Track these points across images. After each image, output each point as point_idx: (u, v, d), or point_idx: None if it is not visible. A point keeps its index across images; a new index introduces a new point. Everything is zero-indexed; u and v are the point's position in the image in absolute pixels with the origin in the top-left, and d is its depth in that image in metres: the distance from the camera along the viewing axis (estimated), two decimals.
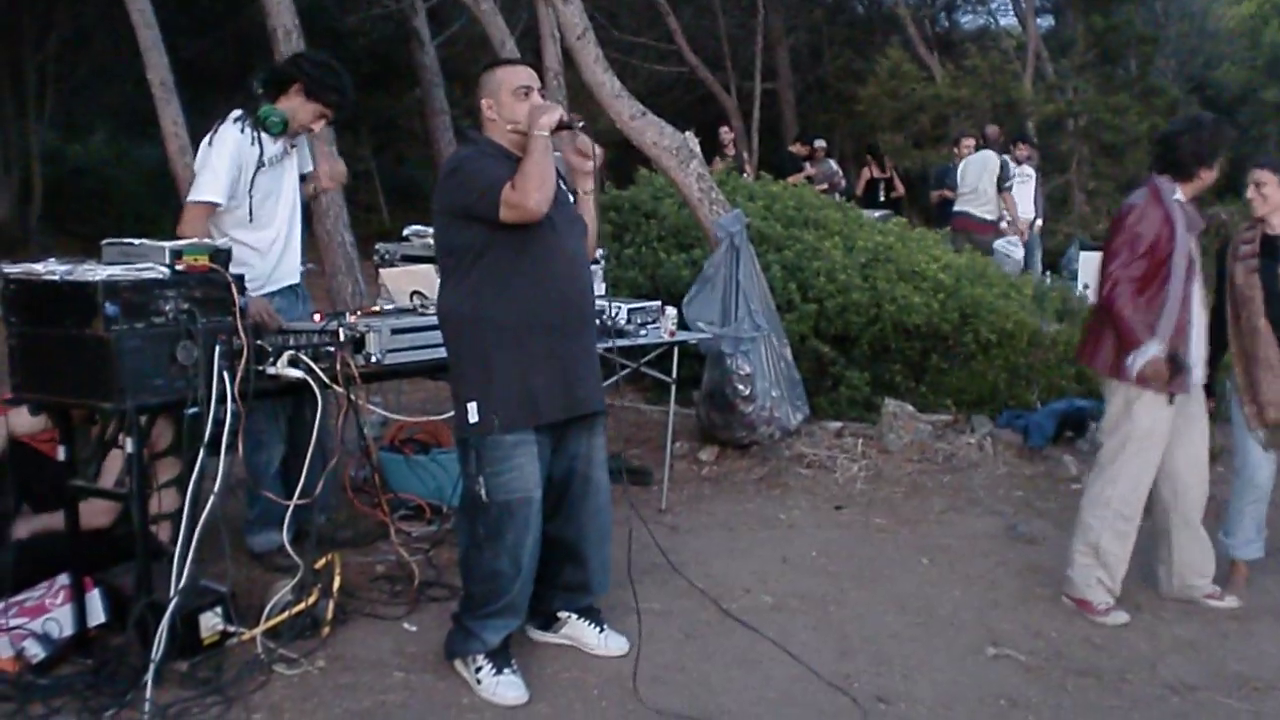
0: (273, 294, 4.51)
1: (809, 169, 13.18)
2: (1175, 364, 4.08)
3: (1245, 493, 4.57)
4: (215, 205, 4.31)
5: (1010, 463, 6.31)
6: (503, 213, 3.38)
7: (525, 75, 3.62)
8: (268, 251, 4.54)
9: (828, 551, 5.00)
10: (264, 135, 4.41)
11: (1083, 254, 11.08)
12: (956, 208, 10.89)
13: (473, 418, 3.50)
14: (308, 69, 4.47)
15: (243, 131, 4.37)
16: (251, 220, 4.45)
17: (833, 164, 13.55)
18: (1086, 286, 9.84)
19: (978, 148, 11.26)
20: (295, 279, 4.68)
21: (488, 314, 3.48)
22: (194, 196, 4.33)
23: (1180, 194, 4.19)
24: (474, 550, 3.59)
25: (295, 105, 4.45)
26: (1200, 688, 3.75)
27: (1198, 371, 4.25)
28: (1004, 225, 10.89)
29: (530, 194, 3.35)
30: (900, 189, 13.24)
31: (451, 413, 3.63)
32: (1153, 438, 4.20)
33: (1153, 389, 4.11)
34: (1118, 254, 4.13)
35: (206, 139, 4.40)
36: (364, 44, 16.89)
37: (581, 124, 3.58)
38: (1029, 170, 11.30)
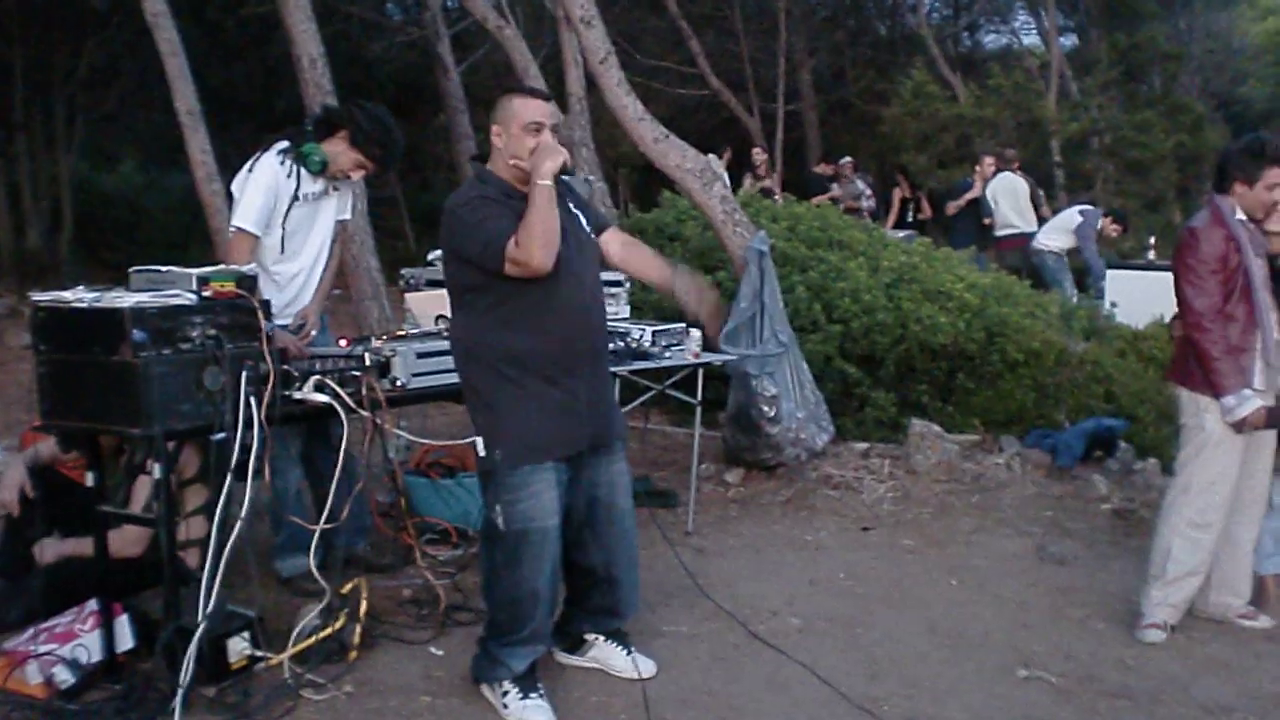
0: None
1: (835, 189, 13.15)
2: (1273, 416, 4.11)
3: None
4: (251, 232, 4.35)
5: (1039, 483, 6.27)
6: (507, 268, 3.32)
7: (540, 111, 3.50)
8: (287, 285, 4.56)
9: (855, 573, 4.97)
10: (303, 171, 4.45)
11: (1109, 272, 11.08)
12: (999, 232, 11.30)
13: (481, 451, 3.51)
14: (358, 118, 4.44)
15: (282, 164, 4.42)
16: (282, 252, 4.49)
17: (860, 184, 13.50)
18: (1115, 305, 9.80)
19: (999, 169, 11.59)
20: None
21: (493, 351, 3.46)
22: (232, 222, 4.42)
23: (1240, 213, 4.16)
24: (493, 578, 3.59)
25: (338, 150, 4.46)
26: (1235, 709, 3.70)
27: None
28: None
29: (534, 253, 3.28)
30: (927, 210, 13.24)
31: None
32: (1225, 444, 4.17)
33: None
34: (1186, 280, 4.11)
35: (247, 166, 4.44)
36: (389, 71, 17.04)
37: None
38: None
